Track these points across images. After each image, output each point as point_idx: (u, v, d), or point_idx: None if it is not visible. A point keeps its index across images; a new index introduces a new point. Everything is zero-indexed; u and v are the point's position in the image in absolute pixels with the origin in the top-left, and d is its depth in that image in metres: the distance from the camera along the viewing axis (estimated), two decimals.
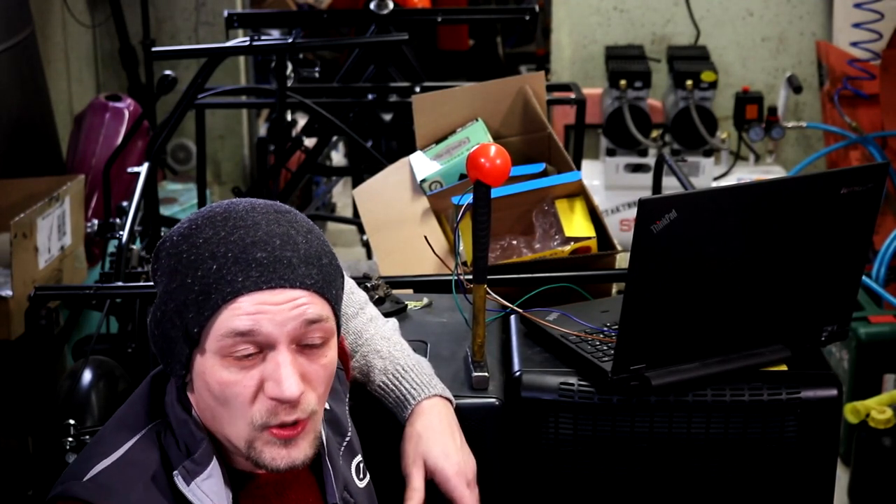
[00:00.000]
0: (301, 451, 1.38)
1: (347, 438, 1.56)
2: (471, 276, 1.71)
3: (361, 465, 1.58)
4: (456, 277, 1.85)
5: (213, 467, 1.38)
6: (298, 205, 4.97)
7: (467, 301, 1.77)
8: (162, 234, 3.50)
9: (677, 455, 1.72)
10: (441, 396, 1.63)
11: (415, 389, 1.62)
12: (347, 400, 1.61)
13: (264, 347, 1.35)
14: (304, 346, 1.37)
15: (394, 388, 1.64)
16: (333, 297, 1.40)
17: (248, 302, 1.33)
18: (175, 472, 1.37)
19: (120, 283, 2.78)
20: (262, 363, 1.35)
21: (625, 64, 4.36)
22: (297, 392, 1.34)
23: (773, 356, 1.74)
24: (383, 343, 1.69)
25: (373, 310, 1.80)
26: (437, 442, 1.59)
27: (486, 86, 2.48)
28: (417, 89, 3.59)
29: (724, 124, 4.59)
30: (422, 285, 2.12)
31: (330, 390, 1.53)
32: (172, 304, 1.36)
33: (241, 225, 1.36)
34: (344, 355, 1.65)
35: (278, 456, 1.37)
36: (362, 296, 1.81)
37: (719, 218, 1.59)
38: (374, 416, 1.66)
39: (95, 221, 3.41)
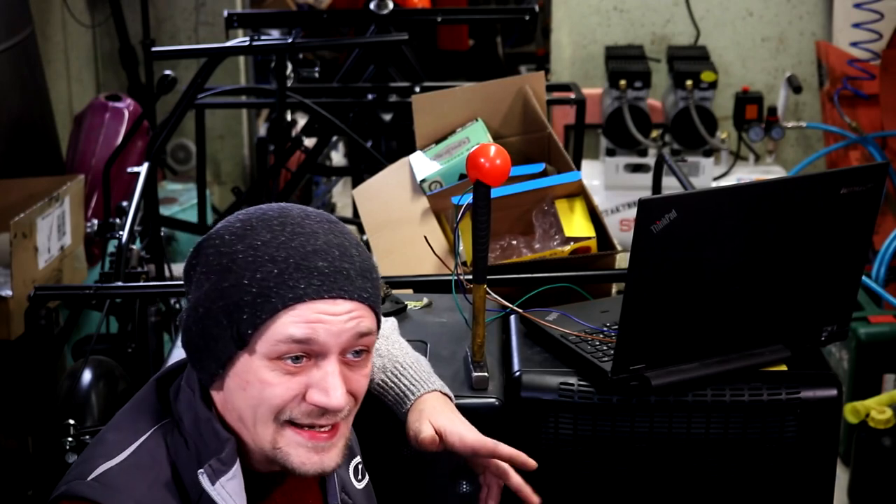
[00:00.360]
0: (332, 458, 1.39)
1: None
2: (471, 276, 1.71)
3: (360, 467, 1.57)
4: (456, 277, 1.85)
5: (237, 468, 1.38)
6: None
7: (467, 301, 1.77)
8: (162, 234, 3.50)
9: (677, 455, 1.72)
10: (440, 392, 1.63)
11: (413, 385, 1.62)
12: None
13: (315, 355, 1.36)
14: (350, 358, 1.39)
15: (392, 385, 1.64)
16: (379, 311, 1.43)
17: (308, 310, 1.34)
18: (200, 471, 1.36)
19: (120, 283, 2.77)
20: (310, 370, 1.36)
21: (625, 64, 4.36)
22: (343, 402, 1.36)
23: (773, 356, 1.74)
24: (382, 342, 1.69)
25: None
26: (442, 413, 1.59)
27: (485, 86, 2.48)
28: (417, 89, 3.59)
29: (723, 124, 4.59)
30: (422, 285, 2.12)
31: None
32: (221, 302, 1.35)
33: (300, 232, 1.37)
34: None
35: (308, 460, 1.38)
36: None
37: (719, 218, 1.59)
38: (372, 416, 1.66)
39: (95, 221, 3.40)
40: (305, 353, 1.35)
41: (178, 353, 1.65)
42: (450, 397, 1.64)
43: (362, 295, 1.38)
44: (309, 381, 1.36)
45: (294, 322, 1.33)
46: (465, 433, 1.55)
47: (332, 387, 1.35)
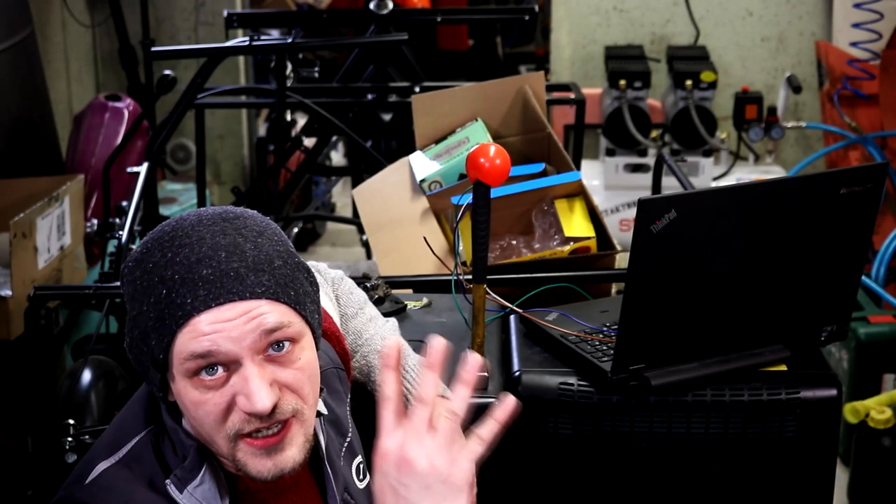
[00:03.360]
0: (288, 458, 1.35)
1: (348, 439, 1.56)
2: (470, 276, 1.71)
3: (362, 466, 1.57)
4: (455, 277, 1.85)
5: (205, 473, 1.36)
6: (298, 205, 4.97)
7: (467, 301, 1.77)
8: None
9: (677, 455, 1.72)
10: (441, 396, 1.63)
11: (415, 389, 1.61)
12: (349, 400, 1.61)
13: (229, 364, 1.32)
14: (271, 354, 1.34)
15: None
16: (293, 299, 1.36)
17: (203, 322, 1.30)
18: (167, 482, 1.35)
19: (119, 283, 2.77)
20: (231, 379, 1.33)
21: (624, 64, 4.36)
22: (269, 404, 1.31)
23: (773, 356, 1.74)
24: (383, 343, 1.69)
25: (372, 310, 1.79)
26: None
27: (485, 86, 2.48)
28: (417, 89, 3.59)
29: (723, 124, 4.59)
30: (421, 285, 2.12)
31: (331, 391, 1.52)
32: (137, 331, 1.35)
33: (186, 243, 1.33)
34: (344, 356, 1.64)
35: (263, 467, 1.35)
36: (362, 296, 1.81)
37: (719, 218, 1.59)
38: (374, 416, 1.65)
39: (95, 221, 3.41)
40: (214, 364, 1.31)
41: None
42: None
43: (256, 291, 1.32)
44: (234, 389, 1.32)
45: (191, 338, 1.30)
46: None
47: (253, 391, 1.31)
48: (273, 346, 1.34)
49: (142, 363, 1.36)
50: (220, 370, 1.32)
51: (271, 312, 1.33)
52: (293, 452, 1.36)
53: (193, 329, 1.30)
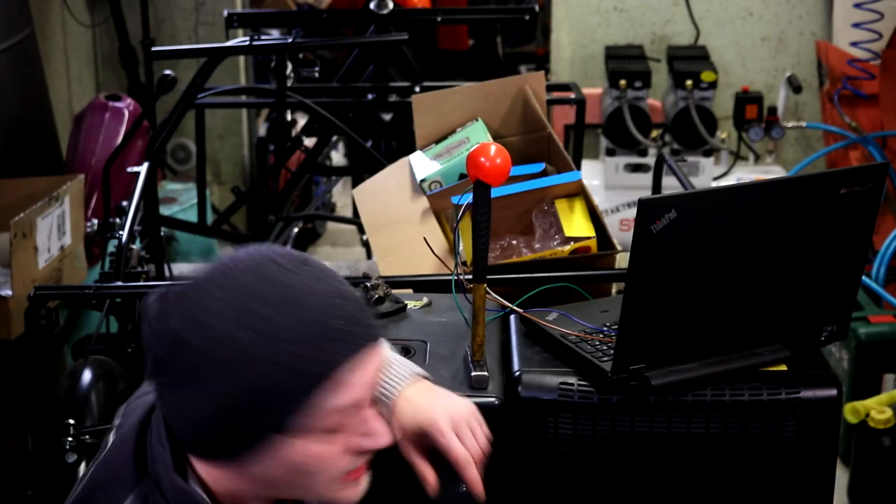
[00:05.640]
0: (366, 482, 1.37)
1: None
2: (470, 276, 1.71)
3: None
4: (456, 277, 1.85)
5: None
6: (298, 205, 4.97)
7: (467, 301, 1.77)
8: (162, 234, 3.50)
9: (677, 455, 1.72)
10: (420, 377, 1.59)
11: (393, 386, 1.56)
12: None
13: None
14: None
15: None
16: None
17: (344, 373, 1.27)
18: None
19: (120, 283, 2.77)
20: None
21: (625, 64, 4.36)
22: (391, 438, 1.34)
23: (773, 356, 1.74)
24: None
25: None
26: (421, 406, 1.53)
27: (485, 86, 2.48)
28: (417, 89, 3.59)
29: (723, 124, 4.59)
30: (421, 285, 2.12)
31: None
32: (242, 398, 1.24)
33: (292, 295, 1.26)
34: None
35: (353, 494, 1.36)
36: None
37: (719, 218, 1.59)
38: None
39: (95, 221, 3.40)
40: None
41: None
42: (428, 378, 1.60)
43: (378, 331, 1.32)
44: (346, 430, 1.31)
45: (335, 392, 1.27)
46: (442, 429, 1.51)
47: (379, 430, 1.33)
48: None
49: (229, 432, 1.27)
50: None
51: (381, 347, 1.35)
52: (367, 477, 1.38)
53: (337, 381, 1.27)
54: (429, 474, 1.51)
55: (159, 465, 1.33)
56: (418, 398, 1.53)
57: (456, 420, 1.52)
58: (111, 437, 1.42)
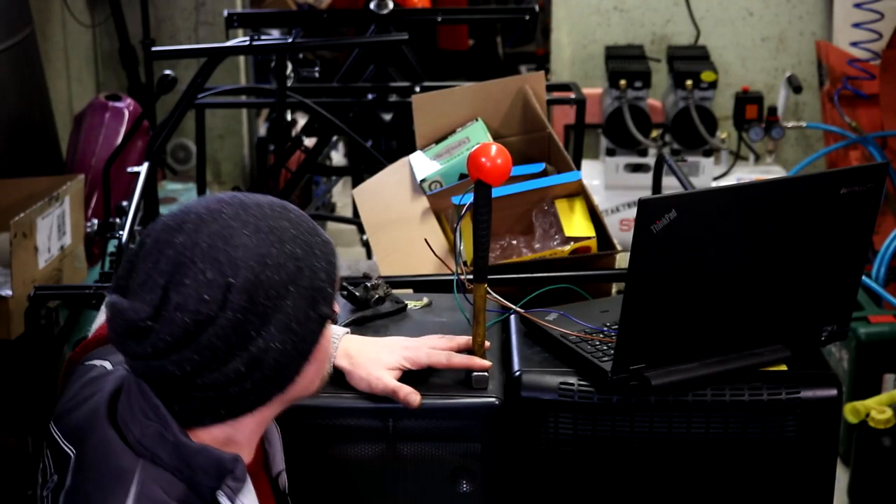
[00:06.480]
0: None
1: None
2: (471, 276, 1.71)
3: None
4: (457, 277, 1.85)
5: (249, 481, 1.40)
6: (298, 204, 4.95)
7: (467, 301, 1.77)
8: None
9: (677, 455, 1.72)
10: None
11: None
12: None
13: None
14: None
15: None
16: None
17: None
18: (219, 491, 1.35)
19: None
20: None
21: (625, 64, 4.36)
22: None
23: (773, 356, 1.74)
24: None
25: None
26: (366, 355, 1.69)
27: (485, 86, 2.48)
28: (417, 89, 3.58)
29: (723, 124, 4.59)
30: (422, 285, 2.12)
31: None
32: (295, 316, 1.38)
33: (277, 224, 1.40)
34: None
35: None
36: None
37: (719, 218, 1.59)
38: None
39: (95, 221, 3.40)
40: None
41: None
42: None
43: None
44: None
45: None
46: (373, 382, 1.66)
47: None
48: None
49: (280, 363, 1.37)
50: None
51: None
52: None
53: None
54: (404, 388, 1.64)
55: (152, 440, 1.36)
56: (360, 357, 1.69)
57: (404, 356, 1.69)
58: (71, 451, 1.41)
